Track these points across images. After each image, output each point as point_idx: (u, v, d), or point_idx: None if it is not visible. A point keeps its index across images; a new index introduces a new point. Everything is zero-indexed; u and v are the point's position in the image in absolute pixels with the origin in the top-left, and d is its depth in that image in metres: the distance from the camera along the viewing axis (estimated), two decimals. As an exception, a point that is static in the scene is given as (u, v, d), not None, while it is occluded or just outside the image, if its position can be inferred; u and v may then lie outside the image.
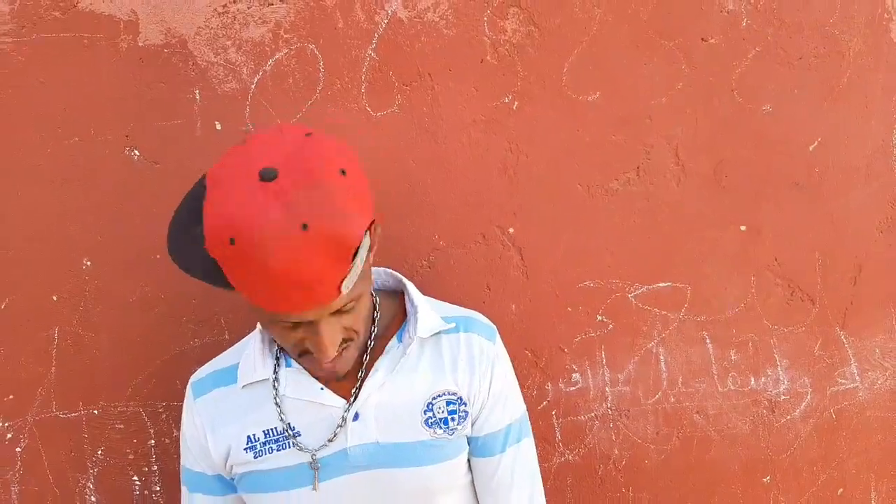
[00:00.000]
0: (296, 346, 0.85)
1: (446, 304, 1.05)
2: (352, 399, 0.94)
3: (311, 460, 0.93)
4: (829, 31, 1.28)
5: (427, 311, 0.98)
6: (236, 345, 1.05)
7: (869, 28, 1.28)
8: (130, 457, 1.28)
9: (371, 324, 0.97)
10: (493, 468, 1.01)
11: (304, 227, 0.70)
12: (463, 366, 0.97)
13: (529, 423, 1.07)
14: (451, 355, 0.98)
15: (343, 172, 0.74)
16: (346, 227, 0.72)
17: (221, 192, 0.73)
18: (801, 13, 1.27)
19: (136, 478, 1.29)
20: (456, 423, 0.96)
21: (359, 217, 0.74)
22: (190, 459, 1.01)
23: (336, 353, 0.85)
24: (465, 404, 0.97)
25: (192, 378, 1.03)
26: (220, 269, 0.76)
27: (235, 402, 0.97)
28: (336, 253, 0.72)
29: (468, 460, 1.03)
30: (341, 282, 0.75)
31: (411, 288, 1.01)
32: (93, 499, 1.29)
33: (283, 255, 0.70)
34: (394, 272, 1.05)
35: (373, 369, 0.95)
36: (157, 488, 1.29)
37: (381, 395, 0.95)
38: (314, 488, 0.93)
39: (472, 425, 1.00)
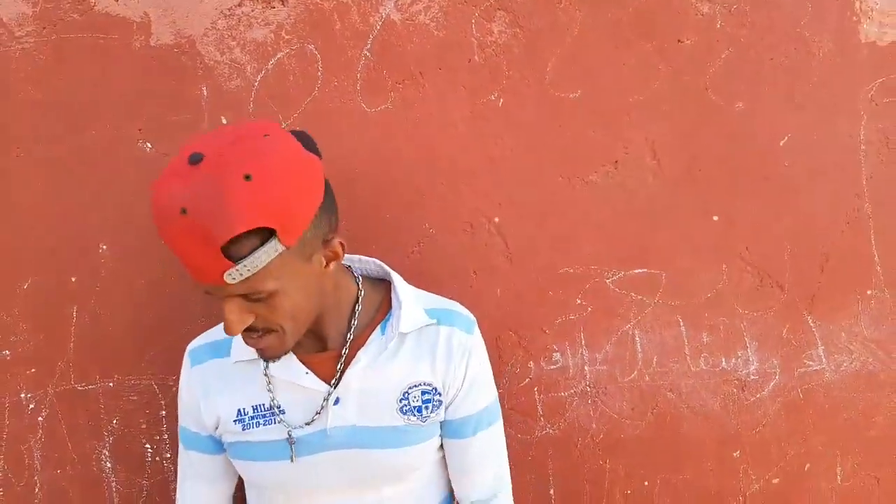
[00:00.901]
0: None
1: (430, 295, 1.11)
2: (333, 384, 1.01)
3: (288, 436, 1.00)
4: (800, 32, 1.34)
5: (411, 307, 1.03)
6: None
7: (838, 30, 1.34)
8: (143, 426, 1.38)
9: (307, 311, 0.95)
10: (464, 450, 1.08)
11: (183, 211, 0.75)
12: (440, 357, 1.03)
13: (500, 407, 1.14)
14: (430, 347, 1.04)
15: (248, 178, 0.77)
16: (217, 222, 0.75)
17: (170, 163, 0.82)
18: (773, 16, 1.33)
19: (148, 445, 1.39)
20: (429, 411, 1.03)
21: (237, 219, 0.76)
22: (185, 419, 1.11)
23: (253, 338, 0.90)
24: (440, 394, 1.04)
25: (190, 346, 1.11)
26: None
27: (228, 375, 1.05)
28: (206, 244, 0.76)
29: (441, 441, 1.10)
30: (222, 273, 0.79)
31: (397, 281, 1.06)
32: (108, 464, 1.39)
33: (166, 232, 0.78)
34: (382, 264, 1.10)
35: (355, 359, 1.00)
36: (168, 455, 1.38)
37: (361, 383, 1.01)
38: (291, 461, 1.00)
39: (447, 410, 1.06)
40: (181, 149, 0.82)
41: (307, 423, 1.01)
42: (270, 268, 0.82)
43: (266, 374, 1.02)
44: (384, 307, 1.06)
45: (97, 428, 1.37)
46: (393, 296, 1.05)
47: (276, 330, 0.90)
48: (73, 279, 1.32)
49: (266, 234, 0.81)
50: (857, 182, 1.39)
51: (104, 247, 1.32)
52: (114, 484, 1.39)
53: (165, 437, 1.38)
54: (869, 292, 1.42)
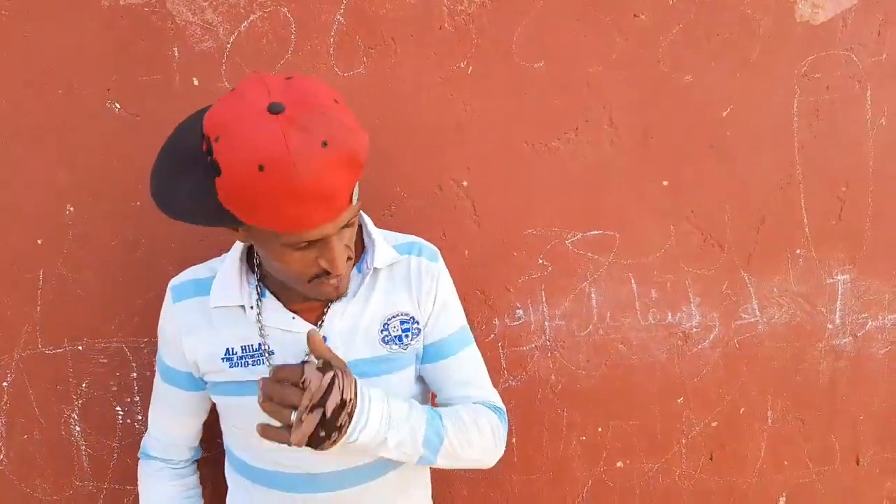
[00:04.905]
0: (306, 269, 0.93)
1: (393, 233, 1.17)
2: (319, 325, 1.06)
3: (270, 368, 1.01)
4: (743, 11, 1.44)
5: (382, 244, 1.10)
6: (213, 260, 1.13)
7: (777, 10, 1.45)
8: (114, 389, 1.38)
9: None
10: (449, 369, 1.14)
11: (324, 143, 0.80)
12: (413, 286, 1.11)
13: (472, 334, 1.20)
14: (402, 278, 1.12)
15: (336, 101, 0.85)
16: (358, 140, 0.84)
17: (237, 130, 0.81)
18: (720, -6, 1.43)
19: (119, 408, 1.39)
20: (409, 339, 1.11)
21: (362, 132, 0.86)
22: (164, 352, 1.14)
23: (339, 276, 0.96)
24: (418, 322, 1.11)
25: (173, 282, 1.12)
26: (221, 211, 0.85)
27: (212, 314, 1.07)
28: (350, 164, 0.83)
29: (423, 376, 1.15)
30: (352, 192, 0.88)
31: (368, 221, 1.12)
32: (77, 428, 1.39)
33: (309, 172, 0.79)
34: None
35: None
36: (140, 417, 1.39)
37: (343, 320, 1.07)
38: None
39: (424, 335, 1.13)
40: (229, 114, 0.82)
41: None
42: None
43: (259, 321, 1.05)
44: (357, 249, 1.10)
45: (66, 392, 1.37)
46: (365, 236, 1.12)
47: (351, 257, 0.98)
48: (39, 241, 1.30)
49: None
50: (790, 150, 1.52)
51: (71, 208, 1.30)
52: (83, 447, 1.39)
53: (137, 398, 1.39)
54: (798, 251, 1.56)
